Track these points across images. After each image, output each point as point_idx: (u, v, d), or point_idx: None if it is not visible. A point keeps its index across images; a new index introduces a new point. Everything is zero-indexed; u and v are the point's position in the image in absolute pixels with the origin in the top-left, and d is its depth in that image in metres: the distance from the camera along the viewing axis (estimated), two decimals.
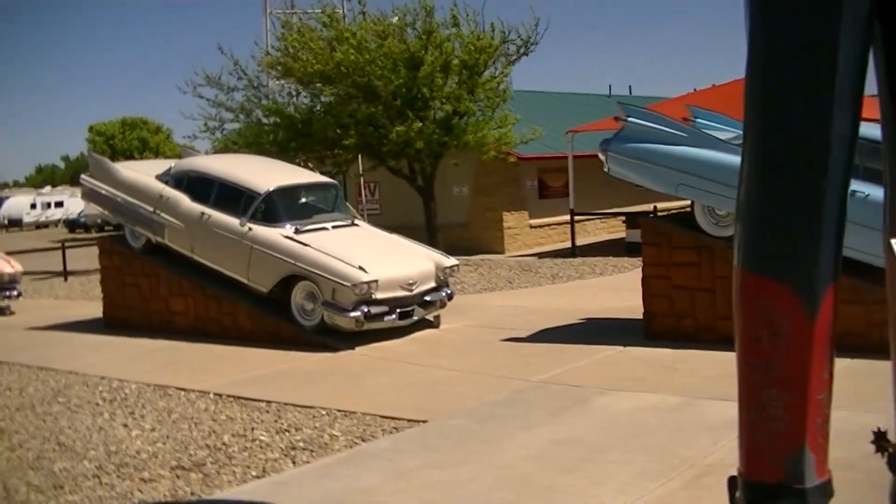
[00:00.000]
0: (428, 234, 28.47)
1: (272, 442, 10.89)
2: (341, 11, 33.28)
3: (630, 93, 58.39)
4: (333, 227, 18.22)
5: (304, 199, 19.19)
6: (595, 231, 37.96)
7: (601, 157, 15.94)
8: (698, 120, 16.40)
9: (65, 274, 35.38)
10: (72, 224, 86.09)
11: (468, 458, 9.79)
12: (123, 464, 10.35)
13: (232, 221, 17.93)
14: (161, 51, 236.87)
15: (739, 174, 5.19)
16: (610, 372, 13.57)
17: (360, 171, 34.01)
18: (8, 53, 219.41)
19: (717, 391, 11.79)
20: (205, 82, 31.07)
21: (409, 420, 11.43)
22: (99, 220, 79.46)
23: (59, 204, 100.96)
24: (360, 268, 16.28)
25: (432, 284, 17.66)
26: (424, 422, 11.33)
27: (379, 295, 16.44)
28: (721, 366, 13.13)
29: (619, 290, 22.28)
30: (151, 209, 19.18)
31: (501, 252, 34.25)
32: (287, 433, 11.23)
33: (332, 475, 9.48)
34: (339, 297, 16.26)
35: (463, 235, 32.98)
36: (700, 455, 9.37)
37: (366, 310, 16.28)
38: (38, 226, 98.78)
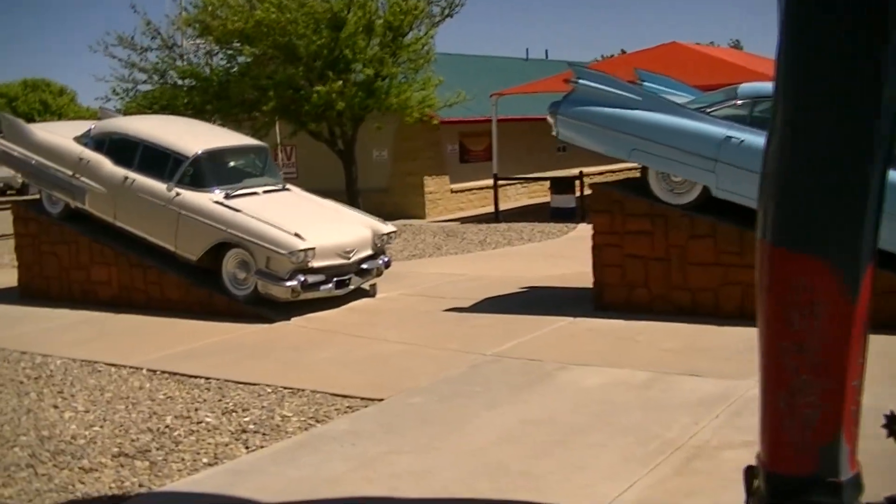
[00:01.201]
0: (349, 198, 27.61)
1: (220, 424, 10.14)
2: None
3: (546, 57, 57.90)
4: (265, 191, 17.39)
5: (232, 163, 18.32)
6: (516, 196, 37.36)
7: (550, 120, 15.31)
8: (645, 83, 15.81)
9: None
10: None
11: (435, 441, 9.16)
12: (59, 451, 9.53)
13: (158, 186, 17.00)
14: (65, 8, 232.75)
15: (766, 146, 4.68)
16: (566, 344, 13.02)
17: (279, 139, 33.10)
18: None
19: (682, 365, 11.44)
20: (117, 42, 29.89)
21: (363, 398, 10.78)
22: (0, 185, 77.84)
23: None
24: (296, 234, 15.48)
25: (369, 252, 16.95)
26: (380, 400, 10.69)
27: (315, 263, 15.67)
28: (680, 338, 12.77)
29: (553, 258, 21.81)
30: (70, 173, 18.19)
31: (422, 217, 33.53)
32: (234, 414, 10.49)
33: (292, 462, 8.79)
34: (274, 265, 15.47)
35: (383, 200, 32.11)
36: (683, 436, 8.87)
37: (302, 279, 15.50)
38: None
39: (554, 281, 18.01)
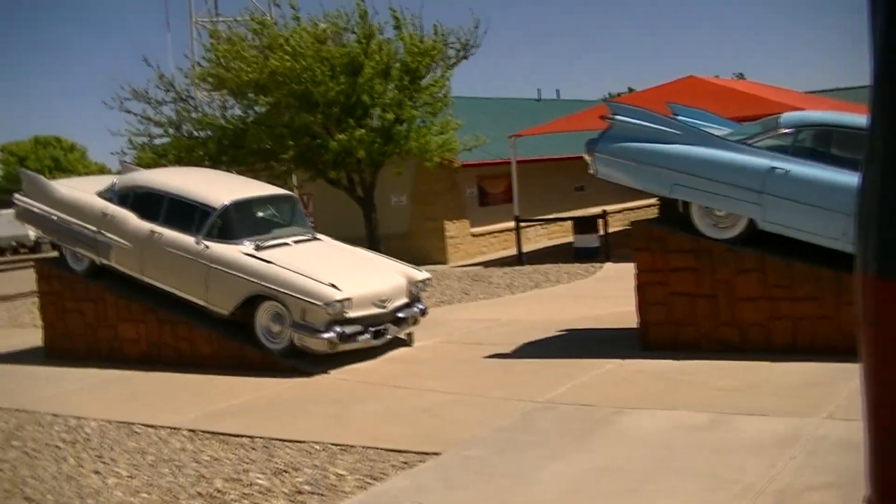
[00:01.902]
0: (370, 245, 27.14)
1: (272, 486, 9.66)
2: (270, 18, 31.84)
3: (558, 96, 57.68)
4: (295, 241, 16.98)
5: (261, 214, 17.93)
6: (536, 238, 36.94)
7: (587, 158, 14.90)
8: (679, 117, 15.38)
9: None
10: None
11: (502, 495, 8.71)
12: None
13: (186, 239, 16.60)
14: (73, 66, 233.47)
15: (864, 176, 4.28)
16: (618, 388, 12.57)
17: (295, 185, 32.69)
18: None
19: (742, 405, 11.01)
20: (131, 96, 29.55)
21: (417, 453, 10.29)
22: (13, 243, 77.77)
23: None
24: (332, 285, 15.06)
25: (405, 300, 16.51)
26: (436, 454, 10.19)
27: (352, 313, 15.21)
28: (734, 376, 12.34)
29: (584, 298, 21.44)
30: (95, 229, 17.79)
31: (444, 262, 33.11)
32: (286, 474, 10.00)
33: None
34: (310, 317, 15.01)
35: (404, 246, 31.67)
36: (761, 479, 8.41)
37: (339, 330, 15.04)
38: None
39: (591, 322, 17.58)
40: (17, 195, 19.83)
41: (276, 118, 28.70)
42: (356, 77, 27.06)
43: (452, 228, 34.34)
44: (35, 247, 74.94)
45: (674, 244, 14.30)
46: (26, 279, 34.37)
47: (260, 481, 9.82)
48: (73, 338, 18.61)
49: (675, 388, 12.26)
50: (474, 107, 38.18)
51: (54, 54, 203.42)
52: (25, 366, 18.58)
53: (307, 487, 9.49)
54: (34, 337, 21.15)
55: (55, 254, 19.57)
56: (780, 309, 13.46)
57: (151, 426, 12.65)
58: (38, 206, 19.01)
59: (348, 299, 15.01)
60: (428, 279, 17.03)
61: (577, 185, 40.38)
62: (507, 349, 15.61)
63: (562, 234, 37.20)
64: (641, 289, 14.60)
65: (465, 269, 30.64)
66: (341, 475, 9.79)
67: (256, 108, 29.62)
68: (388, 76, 27.85)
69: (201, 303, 16.53)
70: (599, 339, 16.05)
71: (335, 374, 14.91)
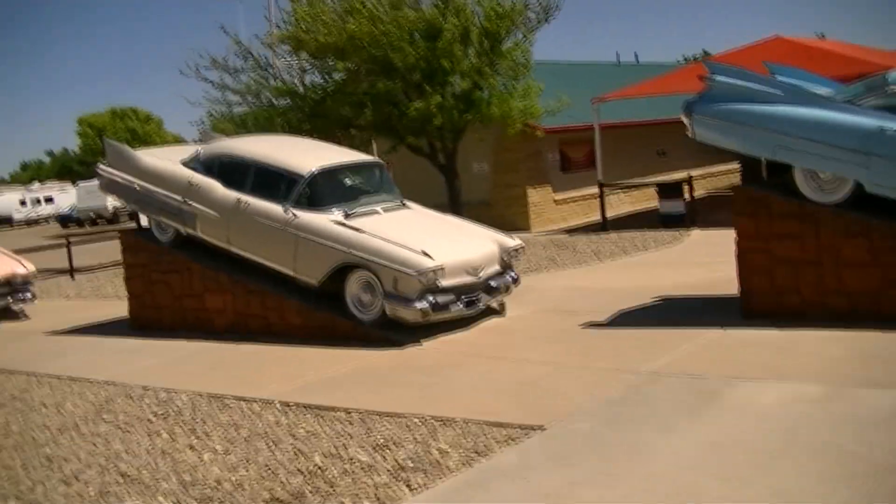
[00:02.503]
0: (453, 213, 26.78)
1: (374, 462, 9.32)
2: None
3: (637, 60, 57.05)
4: (384, 209, 16.61)
5: (349, 181, 17.54)
6: (618, 204, 36.33)
7: (684, 120, 14.39)
8: (778, 77, 14.83)
9: (71, 272, 33.71)
10: (63, 220, 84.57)
11: (616, 471, 8.34)
12: (206, 498, 8.81)
13: (273, 208, 16.31)
14: (147, 37, 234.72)
15: None
16: (724, 358, 12.09)
17: (375, 153, 32.33)
18: None
19: (858, 376, 10.58)
20: (209, 65, 29.31)
21: (521, 426, 9.90)
22: (91, 214, 78.36)
23: (49, 200, 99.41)
24: (424, 253, 14.68)
25: (497, 268, 16.10)
26: (542, 428, 9.81)
27: (444, 282, 14.83)
28: (844, 346, 11.88)
29: (675, 265, 20.90)
30: (180, 198, 17.57)
31: (527, 229, 32.63)
32: (387, 450, 9.65)
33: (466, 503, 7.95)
34: (402, 286, 14.65)
35: (486, 214, 31.09)
36: (891, 456, 7.89)
37: (432, 299, 14.67)
38: (29, 222, 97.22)
39: (686, 290, 17.08)
40: (100, 165, 19.66)
41: (354, 85, 28.31)
42: (435, 42, 26.59)
43: (535, 195, 33.91)
44: (113, 218, 75.67)
45: (777, 209, 13.79)
46: (106, 250, 34.53)
47: (360, 457, 9.50)
48: (158, 309, 18.44)
49: (784, 357, 11.77)
50: (552, 71, 37.59)
51: (128, 26, 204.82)
52: (112, 337, 18.43)
53: (410, 463, 9.15)
54: (119, 308, 21.08)
55: (133, 224, 19.29)
56: (891, 275, 12.93)
57: (243, 399, 12.38)
58: (122, 176, 18.81)
59: (441, 268, 14.65)
60: (521, 247, 16.59)
61: (659, 149, 39.84)
62: (604, 318, 15.17)
63: (644, 200, 36.72)
64: (742, 255, 14.10)
65: (548, 236, 30.18)
66: (444, 450, 9.43)
67: (335, 75, 29.24)
68: (468, 41, 27.31)
69: (290, 273, 16.23)
70: (697, 307, 15.57)
71: (428, 345, 14.55)
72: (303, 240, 15.81)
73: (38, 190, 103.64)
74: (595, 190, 32.33)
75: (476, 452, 9.29)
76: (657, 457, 8.60)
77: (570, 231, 31.11)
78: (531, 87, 28.93)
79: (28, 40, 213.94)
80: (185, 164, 18.09)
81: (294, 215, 15.97)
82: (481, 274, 15.56)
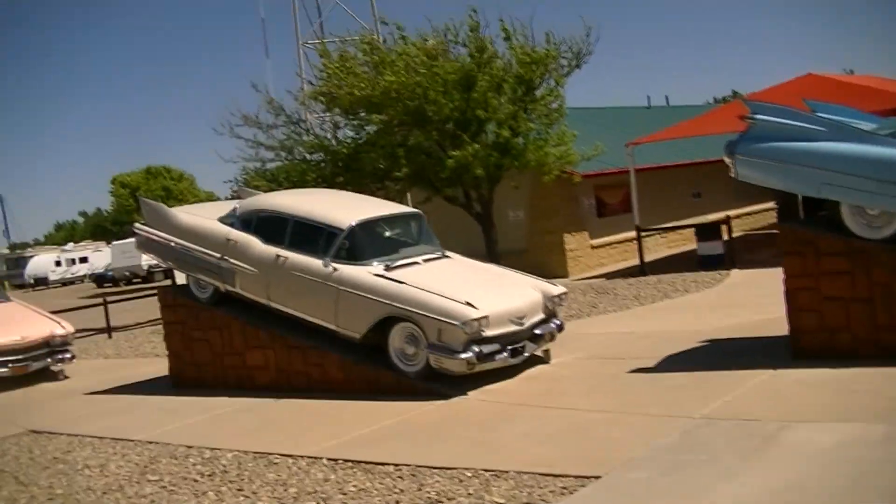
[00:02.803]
0: (490, 261, 26.59)
1: None
2: (377, 36, 31.47)
3: (667, 103, 56.83)
4: (425, 260, 16.42)
5: (388, 233, 17.35)
6: (655, 247, 36.07)
7: (727, 161, 14.20)
8: (820, 113, 14.60)
9: (108, 331, 33.65)
10: (99, 279, 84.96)
11: None
12: None
13: (313, 262, 16.16)
14: (179, 95, 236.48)
15: None
16: (778, 400, 11.82)
17: (410, 204, 32.16)
18: (17, 110, 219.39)
19: None
20: (242, 122, 29.32)
21: (576, 476, 9.67)
22: (126, 273, 78.64)
23: (84, 259, 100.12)
24: (468, 303, 14.46)
25: (541, 316, 15.87)
26: (597, 477, 9.54)
27: (489, 332, 14.61)
28: None
29: (719, 307, 20.65)
30: (218, 255, 17.44)
31: (565, 276, 32.42)
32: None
33: None
34: (447, 337, 14.43)
35: (522, 261, 30.55)
36: None
37: (477, 349, 14.44)
38: (64, 283, 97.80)
39: (732, 332, 16.86)
40: (137, 224, 19.57)
41: (388, 137, 28.20)
42: (470, 92, 26.51)
43: (572, 241, 33.77)
44: (148, 276, 75.87)
45: (825, 247, 13.53)
46: (142, 308, 34.46)
47: None
48: (199, 367, 18.27)
49: (841, 398, 11.48)
50: (583, 117, 37.57)
51: (159, 86, 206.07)
52: (152, 396, 18.29)
53: None
54: (158, 366, 20.95)
55: (168, 282, 19.18)
56: None
57: (289, 456, 12.17)
58: (159, 235, 18.71)
59: (485, 317, 14.43)
60: (564, 294, 16.38)
61: (694, 191, 39.64)
62: (651, 363, 14.91)
63: (681, 243, 36.52)
64: (791, 294, 13.83)
65: (587, 281, 29.97)
66: (499, 503, 9.18)
67: (368, 128, 29.18)
68: (502, 89, 27.21)
69: (331, 327, 16.04)
70: (744, 349, 15.38)
71: (474, 396, 14.32)
72: (344, 293, 15.63)
73: (72, 250, 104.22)
74: (631, 234, 32.20)
75: None
76: None
77: (609, 276, 30.90)
78: (565, 133, 28.75)
79: (61, 101, 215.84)
80: (223, 220, 17.97)
81: (334, 269, 15.82)
82: (526, 322, 15.34)
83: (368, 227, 16.69)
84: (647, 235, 32.95)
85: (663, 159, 35.74)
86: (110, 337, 33.03)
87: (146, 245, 19.30)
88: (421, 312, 14.65)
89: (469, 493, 9.63)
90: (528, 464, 10.33)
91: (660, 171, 35.40)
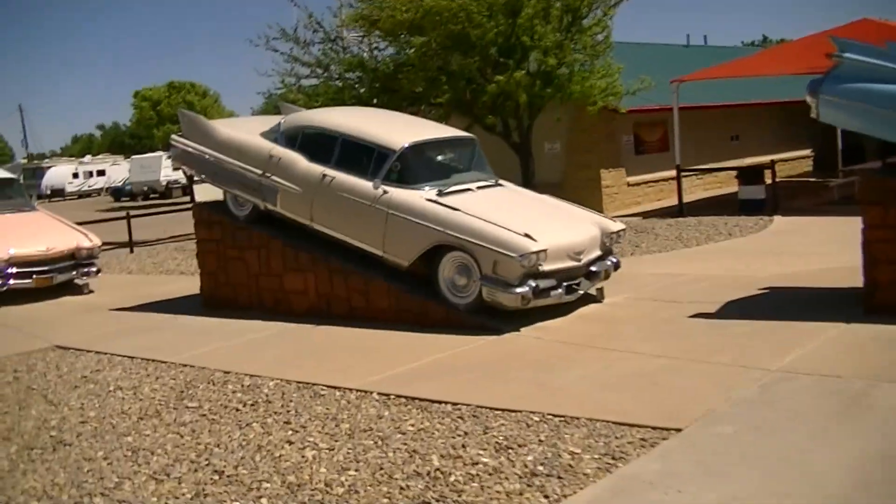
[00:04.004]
0: None
1: (500, 466, 8.38)
2: None
3: (705, 42, 55.85)
4: (478, 187, 15.72)
5: (441, 157, 16.65)
6: (691, 188, 35.26)
7: (809, 101, 13.33)
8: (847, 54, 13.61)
9: (130, 245, 33.03)
10: (117, 192, 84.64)
11: (783, 488, 7.37)
12: (317, 503, 7.85)
13: (361, 184, 15.43)
14: (208, 10, 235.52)
15: None
16: (857, 356, 11.09)
17: None
18: (38, 22, 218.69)
19: None
20: (279, 35, 28.48)
21: (654, 428, 8.97)
22: (144, 188, 78.30)
23: (101, 173, 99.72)
24: (527, 235, 13.70)
25: (598, 252, 15.16)
26: (677, 430, 8.84)
27: (546, 266, 13.88)
28: None
29: (769, 255, 19.91)
30: (260, 172, 16.72)
31: (600, 213, 31.64)
32: (510, 451, 8.72)
33: None
34: (502, 270, 13.71)
35: (557, 196, 30.24)
36: None
37: (533, 284, 13.72)
38: (81, 195, 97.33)
39: (790, 280, 16.09)
40: (174, 136, 18.82)
41: (429, 61, 27.33)
42: (515, 17, 25.61)
43: (608, 177, 33.01)
44: (166, 192, 75.48)
45: None
46: (161, 224, 33.85)
47: (484, 459, 8.55)
48: (233, 287, 17.63)
49: None
50: (621, 52, 36.64)
51: (184, 4, 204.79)
52: (183, 316, 17.63)
53: (540, 468, 8.21)
54: (184, 284, 20.45)
55: (186, 199, 18.48)
56: None
57: (336, 388, 11.49)
58: (197, 148, 17.97)
59: (544, 251, 13.70)
60: (623, 230, 15.71)
61: (733, 134, 38.87)
62: (710, 308, 14.19)
63: (717, 186, 35.85)
64: (869, 246, 13.03)
65: (624, 219, 29.15)
66: (575, 454, 8.49)
67: (408, 52, 28.30)
68: (548, 16, 26.31)
69: (378, 252, 15.34)
70: (810, 299, 14.60)
71: (527, 333, 13.63)
72: (393, 218, 14.93)
73: (90, 163, 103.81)
74: (668, 173, 31.56)
75: (612, 457, 8.35)
76: (820, 470, 7.64)
77: (646, 215, 30.11)
78: (611, 65, 27.85)
79: (85, 13, 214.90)
80: (265, 135, 17.25)
81: (384, 191, 15.10)
82: (583, 258, 14.63)
83: (421, 150, 16.00)
84: (685, 176, 32.15)
85: (701, 99, 34.85)
86: (132, 252, 32.44)
87: (182, 157, 18.57)
88: (476, 242, 13.92)
89: (540, 440, 8.92)
90: (598, 410, 9.62)
91: (699, 111, 34.52)
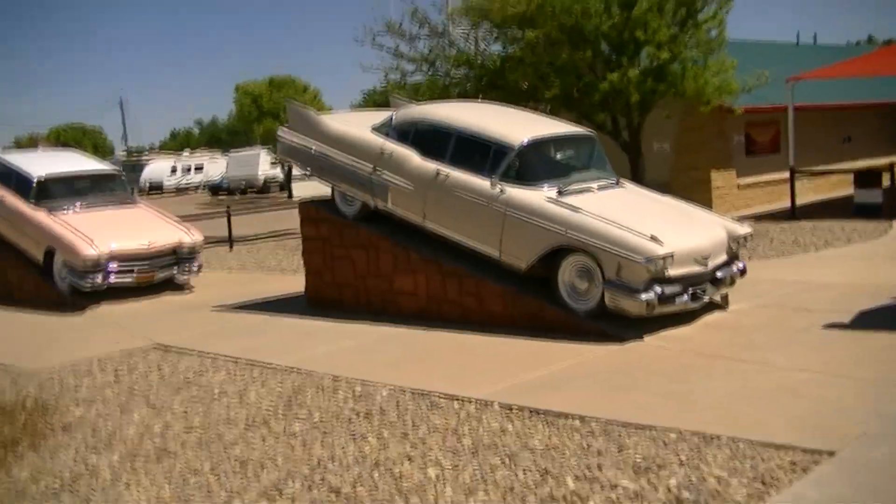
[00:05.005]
0: None
1: (641, 490, 7.71)
2: None
3: (815, 41, 54.68)
4: (599, 187, 15.04)
5: (560, 155, 16.06)
6: (801, 192, 34.13)
7: None
8: None
9: (230, 242, 32.66)
10: (214, 188, 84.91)
11: None
12: None
13: (478, 182, 14.80)
14: (304, 8, 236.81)
15: None
16: None
17: None
18: (138, 18, 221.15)
19: None
20: (385, 30, 28.02)
21: (804, 450, 8.20)
22: (242, 184, 78.50)
23: (199, 168, 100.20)
24: (653, 238, 12.99)
25: (724, 258, 14.42)
26: (830, 453, 8.06)
27: (672, 271, 13.16)
28: None
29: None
30: (370, 168, 16.16)
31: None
32: (650, 473, 8.04)
33: None
34: (627, 274, 13.02)
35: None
36: None
37: (659, 290, 13.03)
38: (179, 190, 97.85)
39: None
40: (281, 129, 18.31)
41: (538, 56, 26.69)
42: (630, 10, 24.92)
43: (718, 178, 32.11)
44: (263, 188, 75.59)
45: None
46: (261, 220, 33.51)
47: (623, 482, 7.86)
48: (340, 287, 17.12)
49: None
50: (732, 50, 35.79)
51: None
52: (287, 316, 17.11)
53: (686, 494, 7.52)
54: (287, 283, 20.04)
55: (284, 195, 17.96)
56: None
57: (454, 397, 10.86)
58: (305, 142, 17.43)
59: (671, 255, 13.00)
60: (750, 234, 14.94)
61: (845, 136, 37.82)
62: (843, 318, 13.38)
63: (828, 188, 34.77)
64: None
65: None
66: (722, 478, 7.79)
67: (515, 46, 27.69)
68: (663, 10, 25.55)
69: (493, 254, 14.70)
70: None
71: (651, 341, 12.93)
72: (511, 217, 14.28)
73: (188, 158, 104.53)
74: (779, 175, 30.64)
75: (762, 482, 7.64)
76: None
77: (757, 218, 29.23)
78: (725, 62, 26.99)
79: (185, 9, 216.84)
80: (376, 130, 16.67)
81: (502, 190, 14.46)
82: (709, 263, 13.88)
83: (540, 147, 15.38)
84: (796, 179, 31.25)
85: (813, 98, 33.86)
86: (231, 249, 32.06)
87: (289, 151, 18.04)
88: (600, 245, 13.23)
89: (681, 461, 8.23)
90: (740, 428, 8.91)
91: (812, 111, 33.53)
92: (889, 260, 19.24)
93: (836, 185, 34.00)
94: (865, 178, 27.84)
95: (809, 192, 34.27)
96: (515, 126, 15.66)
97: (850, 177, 28.80)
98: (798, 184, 30.88)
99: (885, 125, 39.82)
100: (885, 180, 27.30)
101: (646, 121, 27.93)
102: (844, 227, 24.55)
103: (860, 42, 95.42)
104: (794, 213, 28.28)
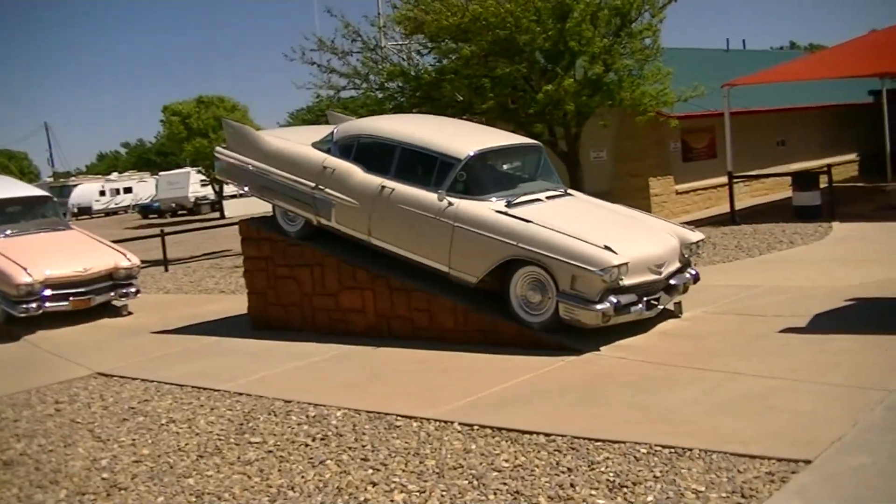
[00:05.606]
0: None
1: None
2: None
3: (744, 46, 54.90)
4: (547, 197, 14.82)
5: (507, 166, 15.85)
6: (739, 195, 34.25)
7: None
8: None
9: (165, 264, 32.18)
10: (144, 209, 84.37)
11: None
12: None
13: (424, 195, 14.53)
14: (233, 27, 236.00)
15: None
16: None
17: None
18: (63, 37, 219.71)
19: None
20: (316, 46, 27.74)
21: (780, 459, 8.01)
22: (172, 205, 78.12)
23: (128, 190, 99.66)
24: (607, 247, 12.77)
25: (677, 265, 14.25)
26: (806, 461, 7.86)
27: (627, 281, 12.97)
28: None
29: (842, 263, 18.99)
30: (312, 184, 15.83)
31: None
32: (625, 490, 7.79)
33: None
34: (582, 285, 12.80)
35: None
36: None
37: (614, 300, 12.79)
38: (108, 213, 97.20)
39: (873, 290, 15.20)
40: (218, 149, 17.95)
41: (473, 68, 26.47)
42: (564, 22, 24.72)
43: (657, 185, 32.06)
44: (194, 208, 75.25)
45: None
46: (193, 241, 33.06)
47: (599, 501, 7.61)
48: (285, 307, 16.77)
49: None
50: (664, 57, 35.82)
51: (215, 19, 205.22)
52: (230, 338, 16.72)
53: None
54: (227, 304, 19.72)
55: (216, 215, 17.62)
56: None
57: (412, 417, 10.57)
58: (243, 160, 17.09)
59: (625, 264, 12.80)
60: (702, 241, 14.77)
61: (779, 139, 37.97)
62: (799, 322, 13.27)
63: (764, 192, 34.97)
64: None
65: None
66: (700, 492, 7.57)
67: (451, 57, 27.47)
68: (597, 20, 25.38)
69: (442, 268, 14.44)
70: None
71: (609, 352, 12.71)
72: (460, 231, 14.03)
73: (117, 180, 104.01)
74: (716, 180, 30.93)
75: (741, 495, 7.42)
76: None
77: (696, 223, 29.13)
78: (661, 71, 26.87)
79: (109, 29, 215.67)
80: (317, 146, 16.35)
81: (449, 203, 14.18)
82: (664, 271, 13.69)
83: (487, 158, 15.17)
84: (735, 183, 31.25)
85: (748, 104, 33.94)
86: (166, 270, 31.59)
87: (227, 171, 17.69)
88: (553, 256, 13.00)
89: (655, 476, 7.99)
90: (712, 440, 8.70)
91: (747, 116, 33.60)
92: (834, 261, 19.18)
93: (772, 189, 34.13)
94: (803, 181, 27.86)
95: (747, 196, 34.46)
96: (461, 138, 15.42)
97: (786, 180, 28.79)
98: (735, 188, 30.89)
99: (818, 128, 39.98)
100: (822, 182, 27.28)
101: (583, 130, 27.75)
102: (785, 230, 24.52)
103: (783, 47, 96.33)
104: (735, 218, 28.22)
